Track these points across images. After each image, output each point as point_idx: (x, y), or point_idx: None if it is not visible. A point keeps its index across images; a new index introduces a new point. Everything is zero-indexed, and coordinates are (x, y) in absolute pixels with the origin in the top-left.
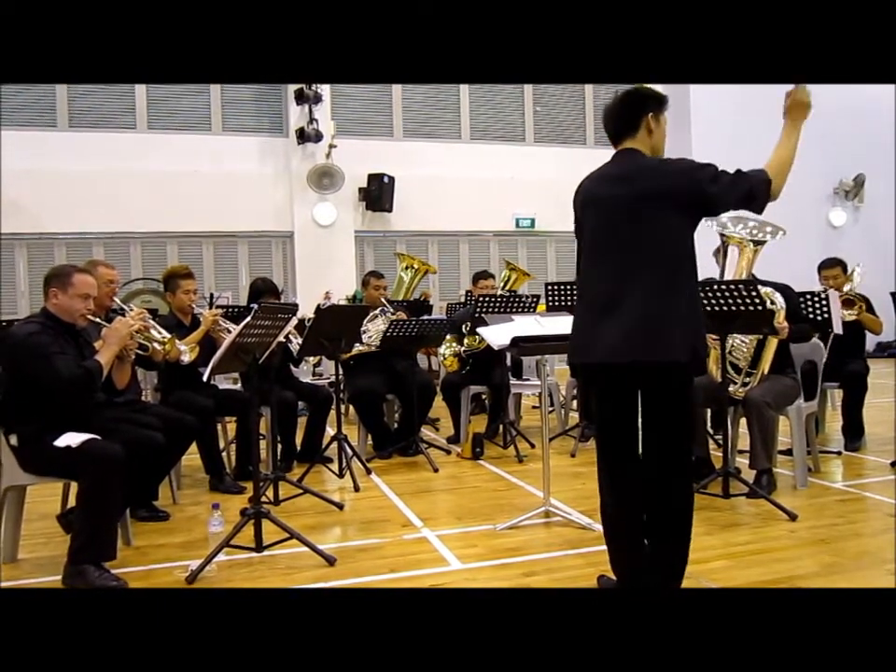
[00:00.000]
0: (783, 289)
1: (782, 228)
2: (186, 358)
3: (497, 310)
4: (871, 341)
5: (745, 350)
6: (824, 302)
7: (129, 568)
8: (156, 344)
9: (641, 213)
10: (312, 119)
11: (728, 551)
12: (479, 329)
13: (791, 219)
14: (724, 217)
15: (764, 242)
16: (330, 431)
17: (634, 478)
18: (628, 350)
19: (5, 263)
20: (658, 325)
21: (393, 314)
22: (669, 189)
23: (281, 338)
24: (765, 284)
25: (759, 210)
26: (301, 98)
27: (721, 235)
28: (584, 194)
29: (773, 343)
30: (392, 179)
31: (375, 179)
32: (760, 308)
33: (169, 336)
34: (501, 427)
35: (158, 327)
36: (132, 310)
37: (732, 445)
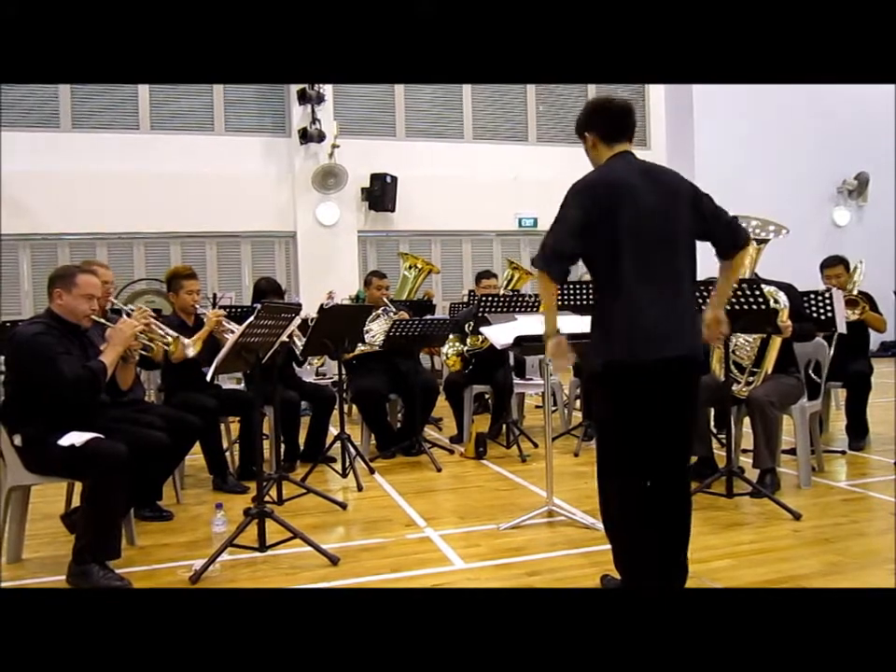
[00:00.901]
0: (786, 289)
1: (785, 226)
2: (190, 352)
3: (499, 309)
4: (875, 340)
5: (748, 349)
6: (828, 302)
7: (133, 568)
8: (160, 344)
9: (675, 209)
10: (314, 120)
11: (731, 550)
12: (482, 329)
13: (795, 219)
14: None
15: (767, 240)
16: (334, 431)
17: (663, 480)
18: (696, 344)
19: (8, 264)
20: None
21: (395, 313)
22: (688, 193)
23: (284, 338)
24: (769, 283)
25: (726, 255)
26: (303, 98)
27: None
28: (619, 184)
29: (776, 343)
30: (395, 179)
31: (378, 179)
32: (763, 307)
33: (174, 336)
34: (504, 426)
35: (164, 327)
36: (132, 311)
37: (735, 444)
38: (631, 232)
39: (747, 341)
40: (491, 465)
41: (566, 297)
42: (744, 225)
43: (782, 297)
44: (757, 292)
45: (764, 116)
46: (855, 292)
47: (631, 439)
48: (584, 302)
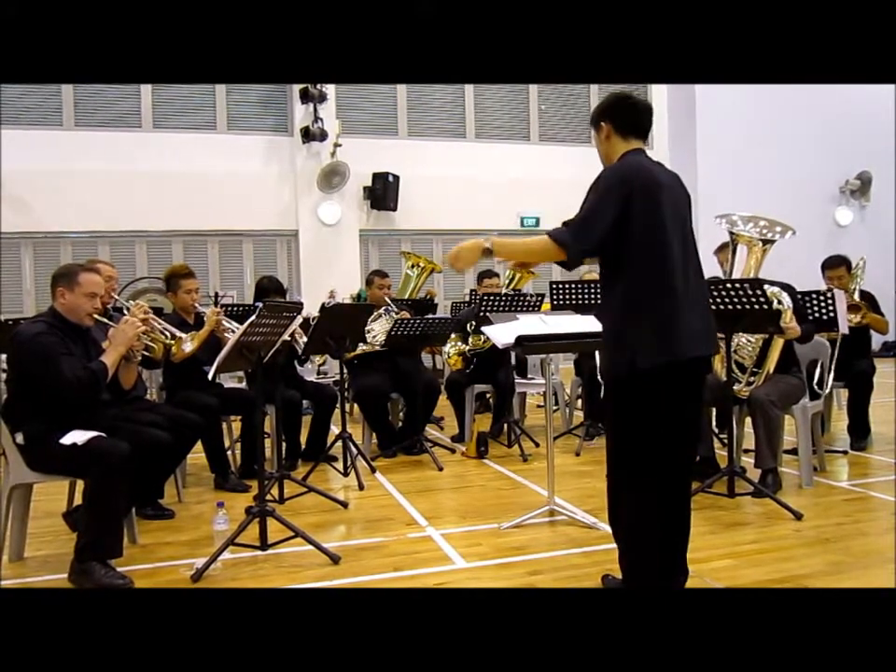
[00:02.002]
0: (785, 289)
1: (791, 227)
2: (188, 347)
3: (501, 309)
4: (876, 340)
5: (750, 349)
6: (830, 302)
7: (134, 566)
8: (161, 342)
9: (687, 210)
10: (317, 118)
11: (733, 550)
12: (483, 328)
13: (798, 218)
14: (735, 215)
15: (774, 241)
16: (335, 430)
17: (678, 480)
18: (711, 343)
19: (11, 262)
20: None
21: (397, 312)
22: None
23: (286, 337)
24: (769, 283)
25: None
26: (305, 97)
27: (731, 234)
28: (654, 180)
29: (779, 343)
30: (397, 178)
31: (380, 178)
32: (766, 307)
33: (177, 336)
34: (506, 425)
35: (167, 325)
36: (130, 306)
37: (737, 444)
38: (669, 230)
39: (749, 341)
40: (492, 464)
41: (566, 296)
42: (751, 225)
43: (786, 298)
44: (759, 292)
45: (766, 116)
46: (857, 293)
47: (664, 439)
48: (584, 302)
